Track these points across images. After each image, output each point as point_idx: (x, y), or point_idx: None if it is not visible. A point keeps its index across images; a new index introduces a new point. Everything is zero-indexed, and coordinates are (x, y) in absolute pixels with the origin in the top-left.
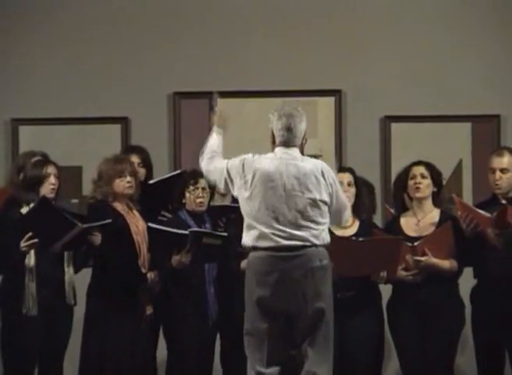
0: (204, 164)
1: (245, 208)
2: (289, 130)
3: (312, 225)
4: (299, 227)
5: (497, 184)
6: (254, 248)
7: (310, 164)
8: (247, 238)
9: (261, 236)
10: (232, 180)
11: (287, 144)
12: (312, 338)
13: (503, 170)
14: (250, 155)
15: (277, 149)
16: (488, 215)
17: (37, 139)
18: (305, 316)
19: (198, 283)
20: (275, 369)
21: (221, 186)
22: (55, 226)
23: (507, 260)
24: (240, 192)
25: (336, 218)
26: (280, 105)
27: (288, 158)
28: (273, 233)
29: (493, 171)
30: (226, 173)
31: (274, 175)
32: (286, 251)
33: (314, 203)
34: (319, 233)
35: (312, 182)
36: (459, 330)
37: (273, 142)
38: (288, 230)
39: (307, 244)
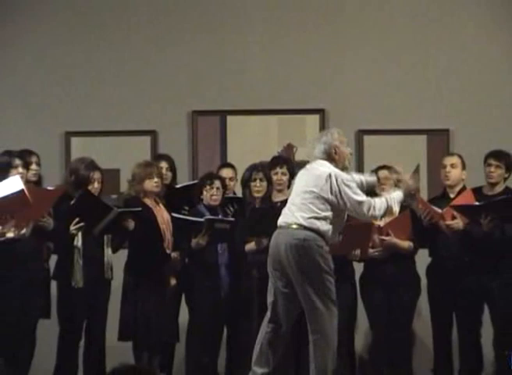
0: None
1: None
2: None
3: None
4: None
5: (447, 176)
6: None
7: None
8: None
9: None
10: None
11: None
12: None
13: (452, 165)
14: None
15: None
16: (440, 210)
17: (85, 148)
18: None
19: (213, 263)
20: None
21: None
22: (95, 211)
23: (454, 245)
24: None
25: None
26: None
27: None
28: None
29: (444, 166)
30: None
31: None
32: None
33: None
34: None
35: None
36: (416, 298)
37: None
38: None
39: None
